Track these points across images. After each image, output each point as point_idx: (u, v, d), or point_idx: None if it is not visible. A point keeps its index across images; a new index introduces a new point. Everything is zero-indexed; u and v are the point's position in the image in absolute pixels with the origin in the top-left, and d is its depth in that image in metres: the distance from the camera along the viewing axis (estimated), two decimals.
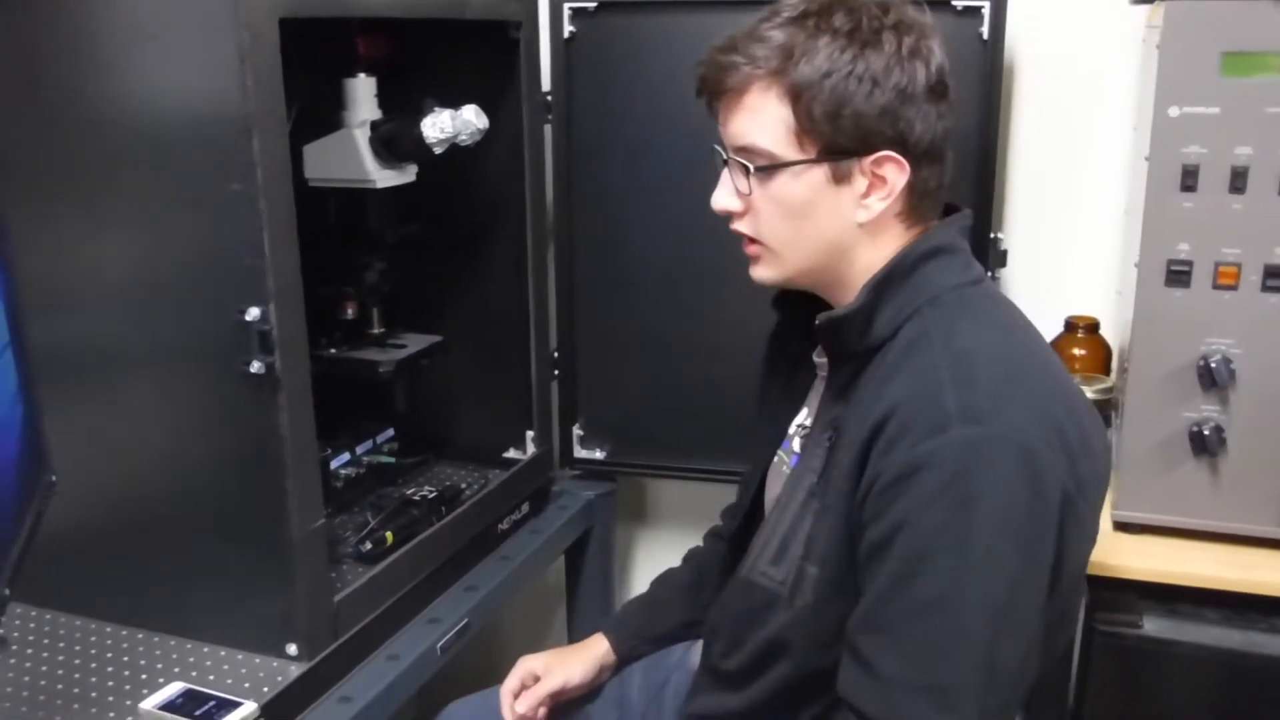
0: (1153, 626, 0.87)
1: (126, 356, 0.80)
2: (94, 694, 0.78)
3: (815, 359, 0.72)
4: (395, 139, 0.93)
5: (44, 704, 0.77)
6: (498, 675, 0.88)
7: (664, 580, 0.90)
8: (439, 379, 1.10)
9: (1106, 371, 1.11)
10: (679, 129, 1.08)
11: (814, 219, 0.64)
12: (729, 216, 0.68)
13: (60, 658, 0.83)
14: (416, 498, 1.02)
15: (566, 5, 1.09)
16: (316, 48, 0.86)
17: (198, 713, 0.73)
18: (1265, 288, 0.84)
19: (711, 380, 1.14)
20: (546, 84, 1.10)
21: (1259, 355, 0.86)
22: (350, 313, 1.02)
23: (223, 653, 0.82)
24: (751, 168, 0.64)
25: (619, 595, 1.33)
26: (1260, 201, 0.83)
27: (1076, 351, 1.11)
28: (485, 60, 1.02)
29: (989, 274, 0.97)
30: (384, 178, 0.94)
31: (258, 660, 0.81)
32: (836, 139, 0.62)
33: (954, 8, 1.00)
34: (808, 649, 0.65)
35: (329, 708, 0.81)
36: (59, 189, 0.78)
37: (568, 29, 1.10)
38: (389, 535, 0.93)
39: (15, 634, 0.86)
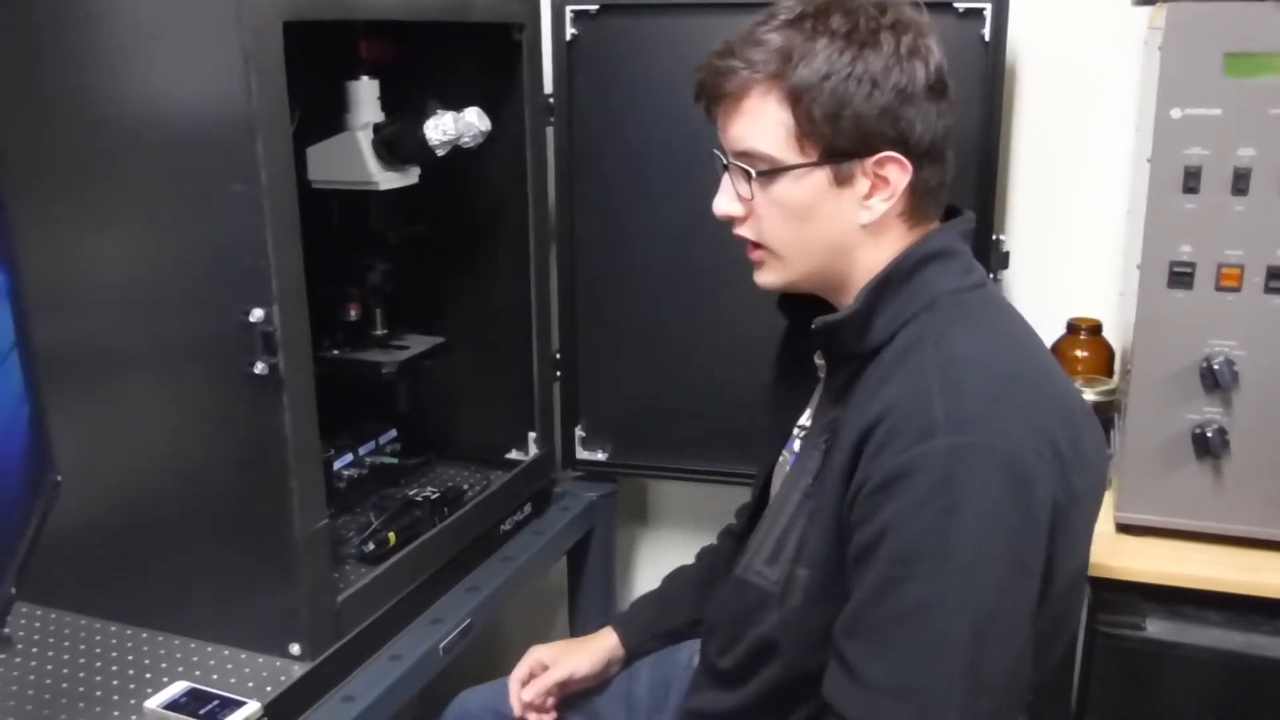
0: (1155, 628, 0.87)
1: (131, 357, 0.81)
2: (99, 693, 0.79)
3: (816, 360, 0.72)
4: (398, 141, 0.93)
5: (49, 703, 0.78)
6: (500, 675, 0.88)
7: (675, 577, 0.90)
8: (441, 380, 1.10)
9: (1109, 373, 1.10)
10: (680, 131, 1.08)
11: (817, 222, 0.64)
12: (731, 221, 0.68)
13: (65, 657, 0.83)
14: (419, 498, 1.02)
15: (568, 8, 1.10)
16: (320, 50, 0.87)
17: (201, 712, 0.74)
18: (1268, 289, 0.84)
19: (713, 381, 1.14)
20: (548, 86, 1.10)
21: (1262, 357, 0.86)
22: (353, 314, 1.03)
23: (226, 652, 0.83)
24: (753, 172, 0.64)
25: (620, 596, 1.33)
26: (1263, 203, 0.83)
27: (1079, 353, 1.11)
28: (487, 62, 1.02)
29: (991, 276, 0.97)
30: (387, 179, 0.94)
31: (261, 660, 0.81)
32: (837, 141, 0.62)
33: (956, 10, 1.00)
34: (797, 650, 0.66)
35: (332, 707, 0.81)
36: (64, 190, 0.79)
37: (570, 31, 1.10)
38: (391, 536, 0.94)
39: (21, 633, 0.86)
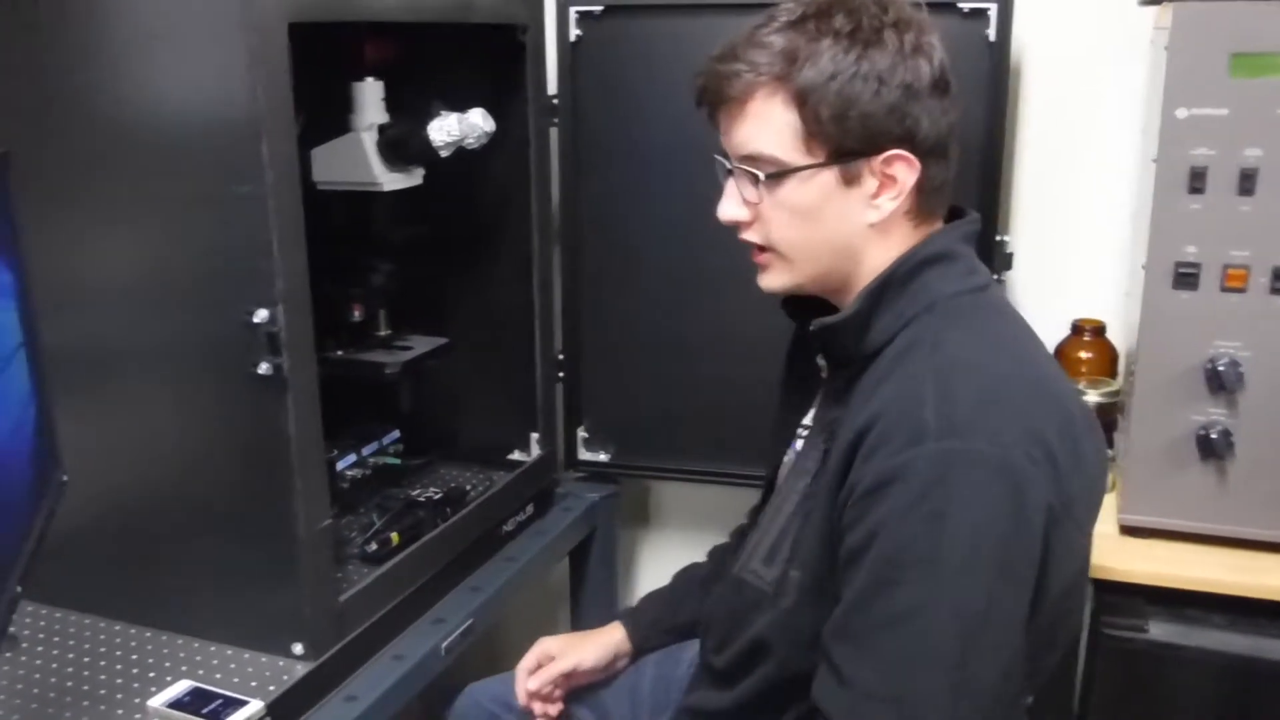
0: (1159, 631, 0.87)
1: (136, 357, 0.81)
2: (103, 691, 0.79)
3: (819, 361, 0.72)
4: (402, 142, 0.93)
5: (54, 701, 0.78)
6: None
7: (684, 574, 0.90)
8: (444, 381, 1.10)
9: (1113, 375, 1.10)
10: (685, 132, 1.08)
11: (825, 223, 0.64)
12: (737, 226, 0.67)
13: (70, 655, 0.84)
14: (422, 499, 1.02)
15: (572, 9, 1.10)
16: (324, 52, 0.87)
17: (205, 711, 0.74)
18: (1274, 290, 0.84)
19: (716, 383, 1.14)
20: (552, 87, 1.10)
21: (1267, 358, 0.85)
22: (357, 315, 1.03)
23: (229, 651, 0.83)
24: (761, 176, 0.64)
25: (622, 597, 1.33)
26: (1269, 203, 0.83)
27: (1083, 354, 1.11)
28: (492, 64, 1.02)
29: (995, 277, 0.97)
30: (391, 181, 0.94)
31: (264, 659, 0.82)
32: (845, 141, 0.62)
33: (960, 10, 1.00)
34: (789, 651, 0.65)
35: (334, 707, 0.81)
36: (70, 191, 0.79)
37: (574, 32, 1.10)
38: (394, 536, 0.94)
39: (26, 632, 0.87)
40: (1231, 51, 0.81)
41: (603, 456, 1.20)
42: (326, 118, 0.93)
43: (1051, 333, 1.10)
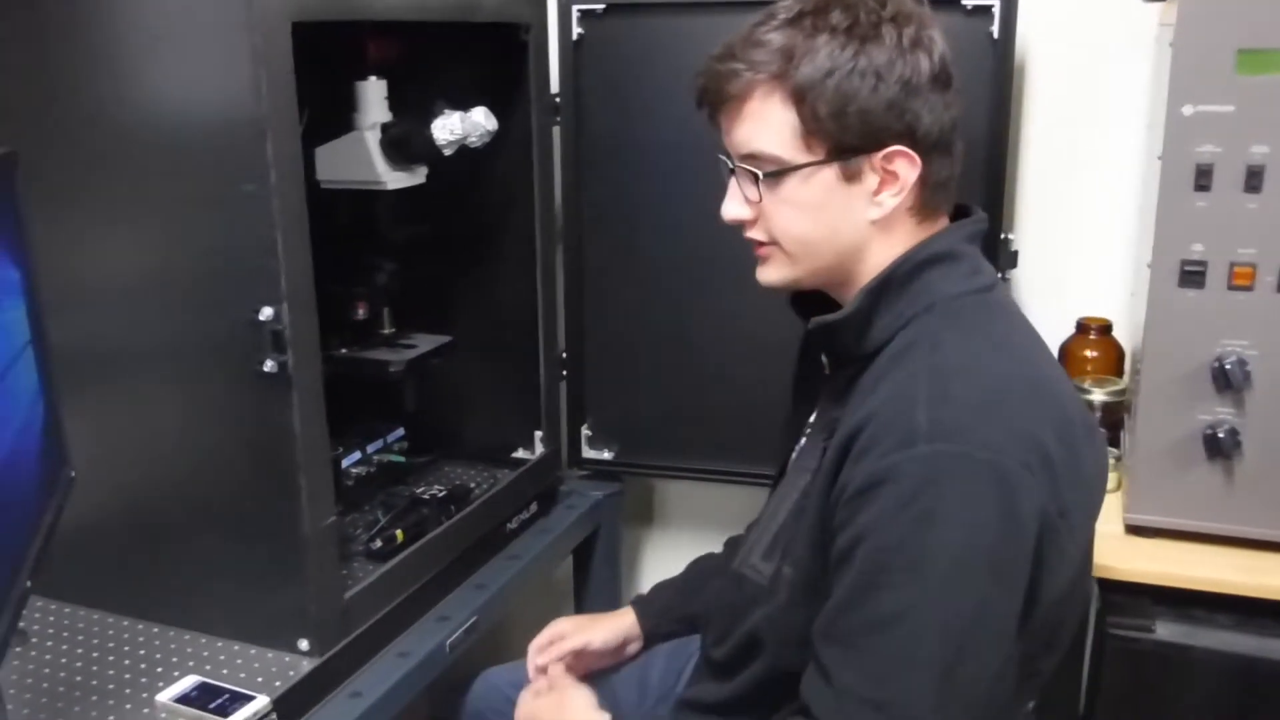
0: (1165, 631, 0.87)
1: (142, 355, 0.82)
2: (111, 686, 0.80)
3: (823, 359, 0.72)
4: (405, 141, 0.94)
5: (64, 695, 0.79)
6: None
7: (698, 564, 0.89)
8: (448, 379, 1.10)
9: (1119, 374, 1.09)
10: (687, 130, 1.08)
11: (827, 220, 0.64)
12: (740, 225, 0.67)
13: (79, 650, 0.84)
14: (426, 496, 1.03)
15: (575, 7, 1.10)
16: (328, 51, 0.87)
17: (212, 706, 0.75)
18: None
19: (719, 381, 1.14)
20: (555, 85, 1.11)
21: (1275, 357, 0.85)
22: (361, 313, 1.03)
23: (236, 647, 0.83)
24: (760, 174, 0.64)
25: (626, 595, 1.33)
26: (1276, 201, 0.82)
27: (1088, 353, 1.10)
28: (494, 62, 1.02)
29: (1000, 275, 0.96)
30: (394, 179, 0.95)
31: (270, 655, 0.82)
32: (844, 137, 0.61)
33: (964, 7, 1.00)
34: (781, 648, 0.65)
35: (339, 703, 0.82)
36: (76, 190, 0.80)
37: (576, 31, 1.10)
38: (399, 533, 0.94)
39: (35, 627, 0.88)
40: (1237, 47, 0.80)
41: (606, 455, 1.21)
42: (330, 117, 0.94)
43: (1057, 331, 1.10)
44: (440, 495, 1.02)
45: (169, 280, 0.79)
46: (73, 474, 0.78)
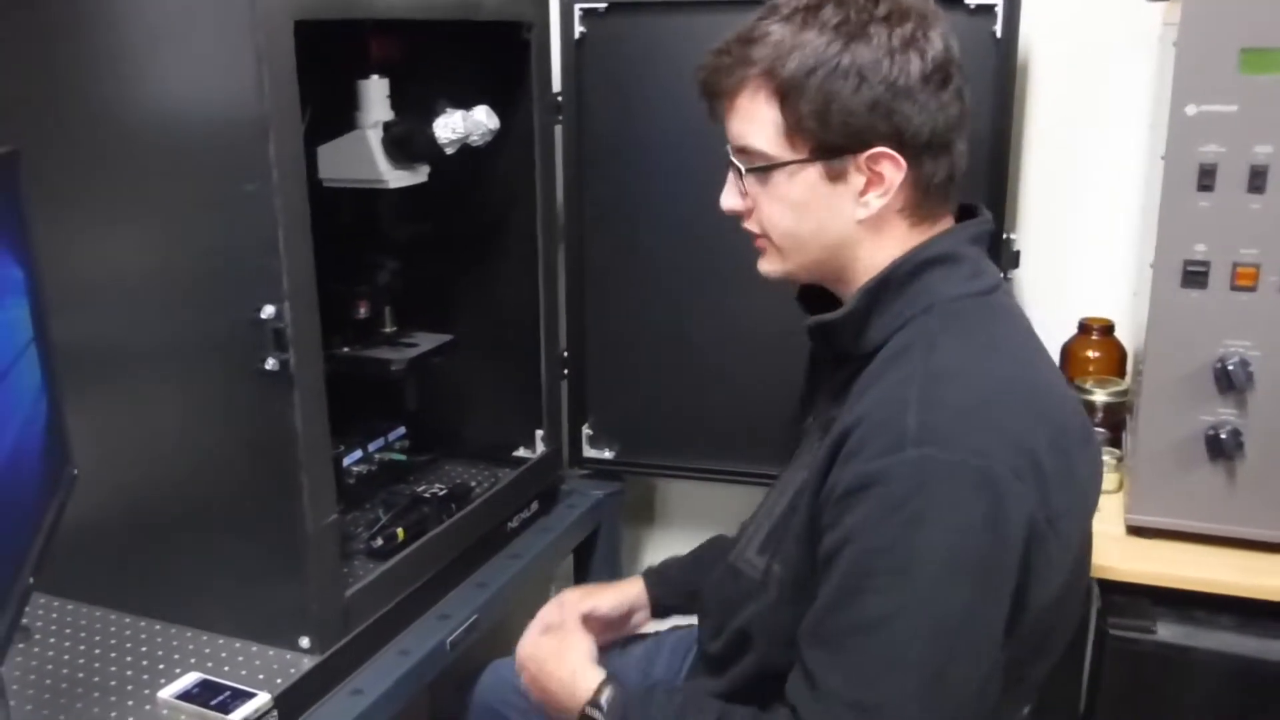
0: (1166, 632, 0.86)
1: (144, 353, 0.82)
2: (113, 683, 0.80)
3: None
4: (407, 139, 0.94)
5: (66, 691, 0.79)
6: None
7: (712, 544, 0.89)
8: (450, 378, 1.10)
9: (1121, 374, 1.09)
10: (689, 129, 1.08)
11: (813, 217, 0.64)
12: (739, 216, 0.68)
13: (81, 647, 0.85)
14: (427, 495, 1.03)
15: (577, 6, 1.10)
16: (330, 49, 0.87)
17: (213, 703, 0.75)
18: None
19: (721, 381, 1.14)
20: (557, 84, 1.11)
21: (1277, 358, 0.84)
22: (363, 311, 1.04)
23: (237, 644, 0.84)
24: (742, 169, 0.64)
25: None
26: None
27: (1090, 353, 1.10)
28: (496, 61, 1.02)
29: (1002, 276, 0.96)
30: (396, 178, 0.95)
31: (271, 652, 0.82)
32: (827, 137, 0.61)
33: (966, 6, 0.99)
34: (768, 646, 0.65)
35: (340, 700, 0.82)
36: (79, 189, 0.80)
37: (578, 30, 1.10)
38: (400, 532, 0.95)
39: (38, 623, 0.88)
40: (1241, 47, 0.80)
41: (607, 454, 1.21)
42: (332, 115, 0.94)
43: (1059, 331, 1.10)
44: (441, 494, 1.03)
45: (171, 278, 0.79)
46: (75, 471, 0.78)
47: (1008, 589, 0.57)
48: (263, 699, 0.75)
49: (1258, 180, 0.82)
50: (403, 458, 1.08)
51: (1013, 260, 1.07)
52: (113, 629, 0.87)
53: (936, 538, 0.55)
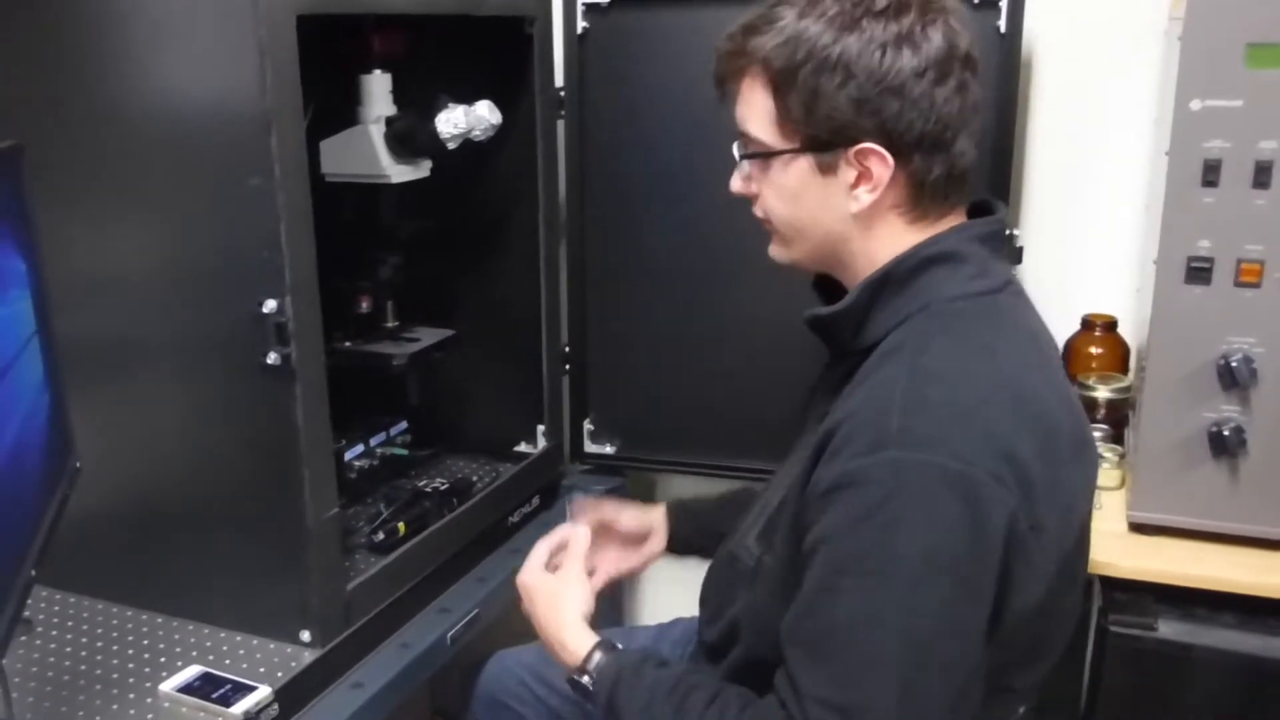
0: (1168, 629, 0.86)
1: (147, 347, 0.82)
2: (115, 675, 0.80)
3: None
4: (410, 134, 0.94)
5: (68, 684, 0.79)
6: None
7: (743, 490, 0.88)
8: (451, 372, 1.10)
9: (1124, 370, 1.09)
10: (691, 124, 1.08)
11: (807, 207, 0.64)
12: (749, 199, 0.68)
13: (83, 640, 0.85)
14: (428, 489, 1.03)
15: (580, 1, 1.10)
16: (333, 44, 0.87)
17: (214, 696, 0.75)
18: None
19: (722, 376, 1.14)
20: (559, 79, 1.10)
21: None
22: (365, 306, 1.04)
23: (239, 638, 0.84)
24: (738, 154, 0.65)
25: (627, 589, 1.33)
26: None
27: (1093, 350, 1.10)
28: (499, 56, 1.02)
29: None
30: (399, 173, 0.95)
31: (272, 646, 0.83)
32: (814, 130, 0.61)
33: (971, 1, 0.99)
34: (755, 638, 0.65)
35: (341, 694, 0.82)
36: (83, 184, 0.80)
37: (581, 24, 1.10)
38: (401, 526, 0.95)
39: (40, 616, 0.88)
40: (1247, 42, 0.80)
41: (609, 449, 1.21)
42: (335, 110, 0.94)
43: (1061, 328, 1.09)
44: (442, 488, 1.03)
45: (173, 273, 0.79)
46: (78, 465, 0.78)
47: (988, 592, 0.56)
48: (264, 692, 0.75)
49: (1263, 176, 0.82)
50: (404, 452, 1.08)
51: (1016, 256, 1.07)
52: (114, 622, 0.87)
53: (912, 540, 0.55)
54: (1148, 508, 0.91)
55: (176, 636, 0.85)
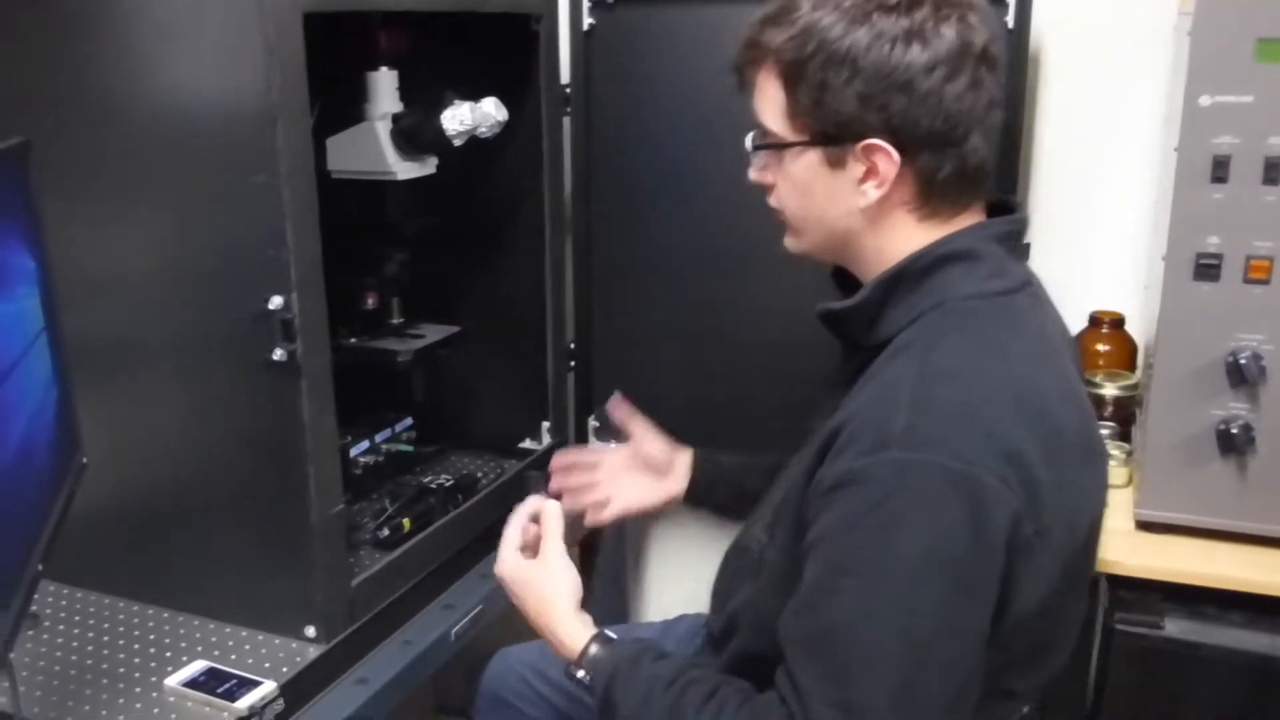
0: (1175, 628, 0.86)
1: (153, 344, 0.82)
2: (121, 670, 0.81)
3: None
4: (416, 131, 0.94)
5: (74, 678, 0.80)
6: None
7: (775, 458, 0.85)
8: (457, 369, 1.11)
9: (1132, 368, 1.08)
10: (697, 120, 1.08)
11: (817, 200, 0.64)
12: (765, 190, 0.68)
13: (90, 634, 0.85)
14: (433, 486, 1.03)
15: None
16: (339, 42, 0.88)
17: (219, 690, 0.75)
18: None
19: (727, 373, 1.14)
20: (565, 76, 1.10)
21: None
22: (370, 303, 1.04)
23: (244, 633, 0.84)
24: (750, 145, 0.66)
25: (632, 587, 1.34)
26: None
27: (1101, 347, 1.09)
28: (505, 53, 1.02)
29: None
30: (404, 170, 0.95)
31: (277, 641, 0.83)
32: (821, 125, 0.61)
33: None
34: (751, 633, 0.65)
35: (345, 689, 0.82)
36: (90, 181, 0.81)
37: (587, 21, 1.10)
38: (406, 522, 0.95)
39: (48, 610, 0.89)
40: (1257, 36, 0.79)
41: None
42: (341, 107, 0.94)
43: (1069, 325, 1.08)
44: (447, 485, 1.03)
45: (179, 269, 0.79)
46: (85, 460, 0.79)
47: (990, 594, 0.56)
48: (269, 687, 0.76)
49: (1272, 172, 0.81)
50: (409, 449, 1.08)
51: (1023, 253, 1.06)
52: (121, 617, 0.88)
53: (912, 541, 0.54)
54: (1155, 506, 0.90)
55: (182, 631, 0.85)
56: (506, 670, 0.92)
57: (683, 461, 0.87)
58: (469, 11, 0.94)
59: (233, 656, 0.81)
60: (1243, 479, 0.87)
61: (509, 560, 0.73)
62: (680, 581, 1.36)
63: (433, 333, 1.07)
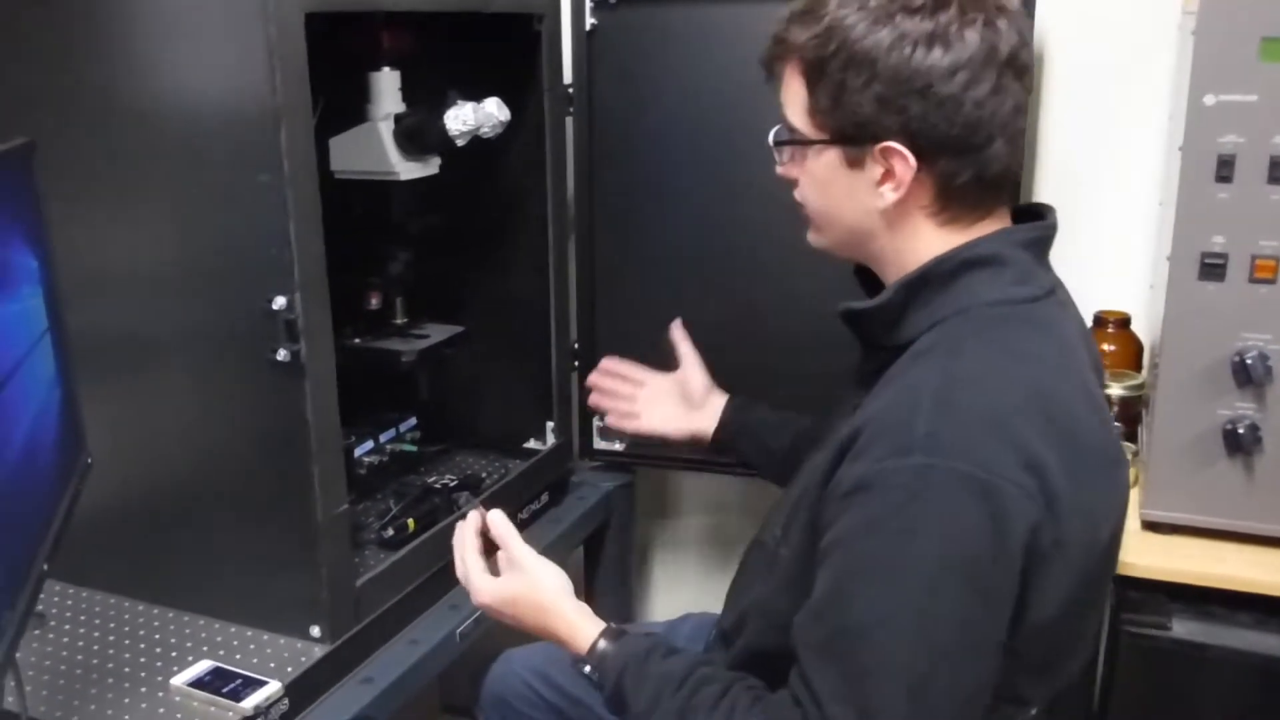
0: (1182, 629, 0.85)
1: (158, 343, 0.82)
2: (126, 669, 0.81)
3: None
4: (419, 131, 0.94)
5: (80, 677, 0.80)
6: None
7: (809, 422, 0.86)
8: (461, 369, 1.11)
9: (1137, 368, 1.08)
10: (700, 120, 1.07)
11: (837, 199, 0.64)
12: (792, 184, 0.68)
13: (95, 634, 0.86)
14: (438, 486, 1.03)
15: None
16: (342, 42, 0.88)
17: (225, 690, 0.76)
18: None
19: (731, 373, 1.13)
20: (568, 76, 1.10)
21: None
22: (374, 303, 1.04)
23: (249, 633, 0.84)
24: (773, 140, 0.66)
25: (637, 586, 1.34)
26: None
27: (1106, 347, 1.09)
28: (507, 53, 1.02)
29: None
30: (407, 170, 0.95)
31: (282, 641, 0.83)
32: (840, 125, 0.61)
33: None
34: (759, 633, 0.65)
35: (351, 689, 0.83)
36: (94, 181, 0.81)
37: (589, 21, 1.10)
38: (411, 522, 0.95)
39: (53, 610, 0.89)
40: (1262, 35, 0.79)
41: (618, 446, 1.20)
42: (344, 107, 0.94)
43: None
44: (452, 485, 1.03)
45: (183, 269, 0.80)
46: (89, 460, 0.79)
47: (1007, 602, 0.56)
48: (273, 687, 0.76)
49: (1278, 171, 0.81)
50: (414, 448, 1.09)
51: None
52: (126, 616, 0.88)
53: (931, 546, 0.54)
54: (1162, 506, 0.90)
55: (187, 631, 0.85)
56: (509, 674, 0.92)
57: (716, 404, 0.89)
58: (471, 11, 0.94)
59: (238, 656, 0.81)
60: (1250, 479, 0.86)
61: (484, 587, 0.70)
62: (684, 584, 1.36)
63: (437, 332, 1.07)
